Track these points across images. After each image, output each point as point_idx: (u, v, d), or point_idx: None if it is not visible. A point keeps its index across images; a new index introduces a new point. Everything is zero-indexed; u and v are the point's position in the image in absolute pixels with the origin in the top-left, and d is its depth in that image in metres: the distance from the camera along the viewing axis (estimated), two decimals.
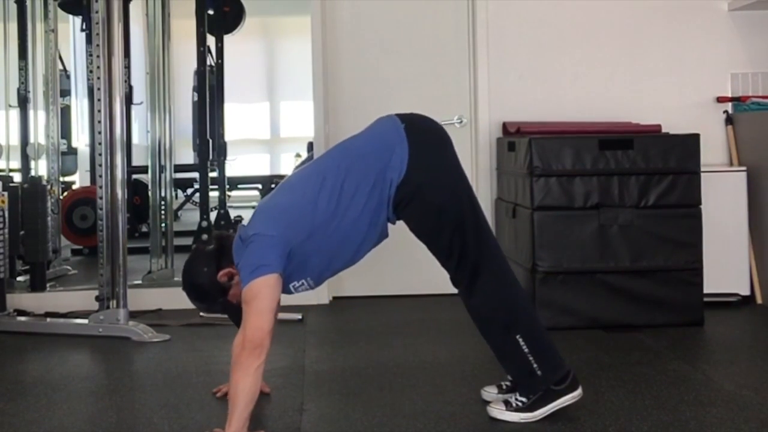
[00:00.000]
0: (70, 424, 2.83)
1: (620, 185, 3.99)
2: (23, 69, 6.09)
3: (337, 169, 2.68)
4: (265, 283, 2.54)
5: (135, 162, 7.20)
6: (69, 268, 5.87)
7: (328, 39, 4.87)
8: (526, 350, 2.70)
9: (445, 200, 2.72)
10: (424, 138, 2.74)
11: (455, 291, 2.81)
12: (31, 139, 6.01)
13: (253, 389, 2.50)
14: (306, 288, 2.73)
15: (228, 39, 7.77)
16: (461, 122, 4.87)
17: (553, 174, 4.00)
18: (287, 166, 9.98)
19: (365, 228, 2.67)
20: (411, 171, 2.66)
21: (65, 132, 7.18)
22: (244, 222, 2.86)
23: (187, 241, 6.73)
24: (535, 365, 2.70)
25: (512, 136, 4.49)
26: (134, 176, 6.81)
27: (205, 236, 4.69)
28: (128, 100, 6.74)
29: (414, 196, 2.68)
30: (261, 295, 2.53)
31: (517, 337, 2.70)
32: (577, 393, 2.75)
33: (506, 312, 2.75)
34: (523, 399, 2.73)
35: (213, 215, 7.56)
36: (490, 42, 4.79)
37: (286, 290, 2.67)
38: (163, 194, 5.70)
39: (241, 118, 9.91)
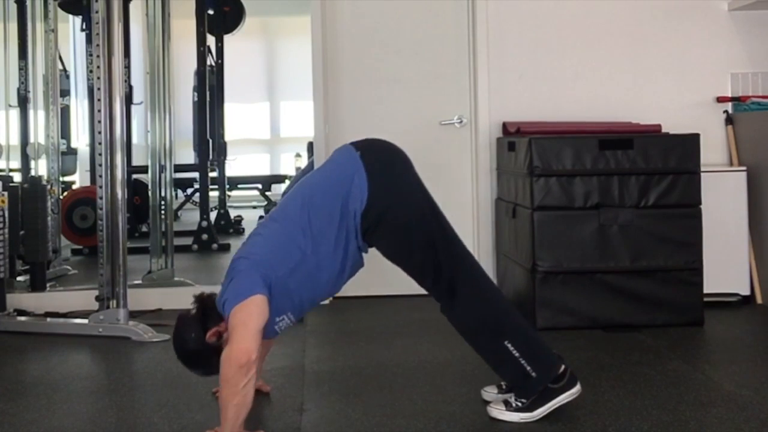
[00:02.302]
0: (70, 424, 2.83)
1: (620, 185, 3.99)
2: (23, 69, 6.10)
3: (302, 209, 2.70)
4: (253, 302, 2.56)
5: (135, 162, 7.20)
6: (69, 268, 5.87)
7: (328, 39, 4.87)
8: (517, 354, 2.71)
9: (410, 220, 2.73)
10: (381, 162, 2.76)
11: None
12: (31, 139, 6.01)
13: (244, 404, 2.51)
14: (288, 323, 2.74)
15: (228, 39, 7.78)
16: (461, 122, 4.88)
17: (553, 174, 4.00)
18: (287, 166, 9.99)
19: (340, 260, 2.70)
20: (372, 198, 2.68)
21: (65, 132, 7.18)
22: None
23: (187, 241, 6.74)
24: (528, 368, 2.71)
25: (512, 136, 4.49)
26: (134, 176, 6.82)
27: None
28: (128, 100, 6.75)
29: (379, 221, 2.70)
30: (249, 315, 2.54)
31: (506, 343, 2.71)
32: (576, 390, 2.75)
33: (490, 321, 2.77)
34: (523, 399, 2.73)
35: (213, 215, 7.58)
36: (490, 42, 4.79)
37: (270, 330, 2.67)
38: (163, 194, 5.70)
39: (241, 118, 9.92)
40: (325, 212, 2.68)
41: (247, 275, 2.61)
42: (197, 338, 2.69)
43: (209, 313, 2.70)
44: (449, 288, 2.74)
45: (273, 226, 2.74)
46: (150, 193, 5.68)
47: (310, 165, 6.02)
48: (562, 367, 2.75)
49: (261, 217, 2.66)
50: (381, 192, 2.69)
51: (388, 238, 2.75)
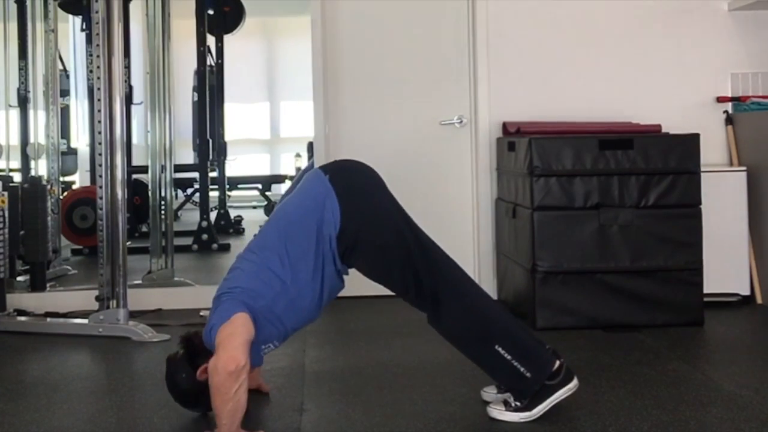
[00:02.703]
0: (70, 424, 2.83)
1: (620, 185, 3.99)
2: (23, 69, 6.10)
3: (278, 239, 2.73)
4: (237, 319, 2.58)
5: (135, 162, 7.20)
6: (69, 268, 5.87)
7: (328, 39, 4.87)
8: (509, 357, 2.71)
9: (386, 239, 2.74)
10: (351, 183, 2.78)
11: None
12: (31, 139, 6.01)
13: (238, 409, 2.51)
14: (272, 349, 2.78)
15: (228, 39, 7.78)
16: (461, 122, 4.88)
17: (553, 174, 4.00)
18: (287, 166, 9.99)
19: (319, 286, 2.73)
20: (345, 220, 2.70)
21: (65, 132, 7.18)
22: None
23: (187, 241, 6.74)
24: (522, 369, 2.71)
25: (512, 136, 4.49)
26: (134, 176, 6.82)
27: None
28: (128, 100, 6.75)
29: (356, 243, 2.72)
30: (235, 328, 2.57)
31: (496, 347, 2.72)
32: (573, 384, 2.75)
33: (478, 327, 2.77)
34: (521, 399, 2.73)
35: (213, 215, 7.58)
36: (490, 42, 4.79)
37: (256, 357, 2.69)
38: (163, 194, 5.71)
39: (241, 118, 9.92)
40: (301, 240, 2.70)
41: (230, 303, 2.65)
42: (188, 377, 2.71)
43: (197, 351, 2.72)
44: (433, 300, 2.74)
45: (252, 258, 2.76)
46: (150, 193, 5.68)
47: (311, 165, 6.01)
48: (557, 362, 2.75)
49: (255, 235, 2.70)
50: (353, 213, 2.71)
51: (366, 258, 2.77)
